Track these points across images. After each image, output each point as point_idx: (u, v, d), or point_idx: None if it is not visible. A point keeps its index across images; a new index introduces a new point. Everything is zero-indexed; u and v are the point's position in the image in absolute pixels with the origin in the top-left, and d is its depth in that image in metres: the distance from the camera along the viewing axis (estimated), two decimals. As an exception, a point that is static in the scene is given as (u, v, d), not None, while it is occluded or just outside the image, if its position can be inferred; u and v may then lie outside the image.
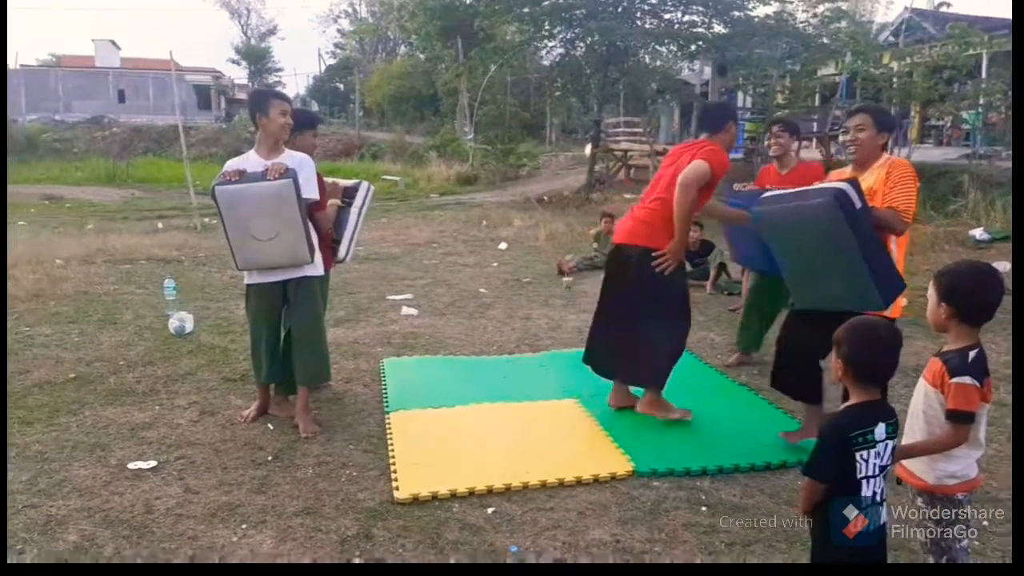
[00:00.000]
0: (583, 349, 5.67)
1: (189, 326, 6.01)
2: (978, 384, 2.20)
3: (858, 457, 2.03)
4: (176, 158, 24.05)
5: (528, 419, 4.27)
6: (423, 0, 29.77)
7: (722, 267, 8.12)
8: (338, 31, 56.60)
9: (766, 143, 4.79)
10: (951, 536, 2.34)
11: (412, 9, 32.99)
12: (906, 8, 24.18)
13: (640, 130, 18.49)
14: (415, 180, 21.56)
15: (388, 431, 3.99)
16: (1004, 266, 8.32)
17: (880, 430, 2.05)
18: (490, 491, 3.37)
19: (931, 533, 2.36)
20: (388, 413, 4.25)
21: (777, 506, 3.31)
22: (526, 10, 17.56)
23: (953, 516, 2.32)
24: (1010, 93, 16.76)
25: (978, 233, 9.70)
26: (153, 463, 3.66)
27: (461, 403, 4.41)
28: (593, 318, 4.52)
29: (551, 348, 5.82)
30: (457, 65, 25.21)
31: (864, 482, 2.04)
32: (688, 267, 8.24)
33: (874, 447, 2.03)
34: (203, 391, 4.70)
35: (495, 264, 9.64)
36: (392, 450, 3.74)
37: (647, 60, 19.75)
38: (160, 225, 13.55)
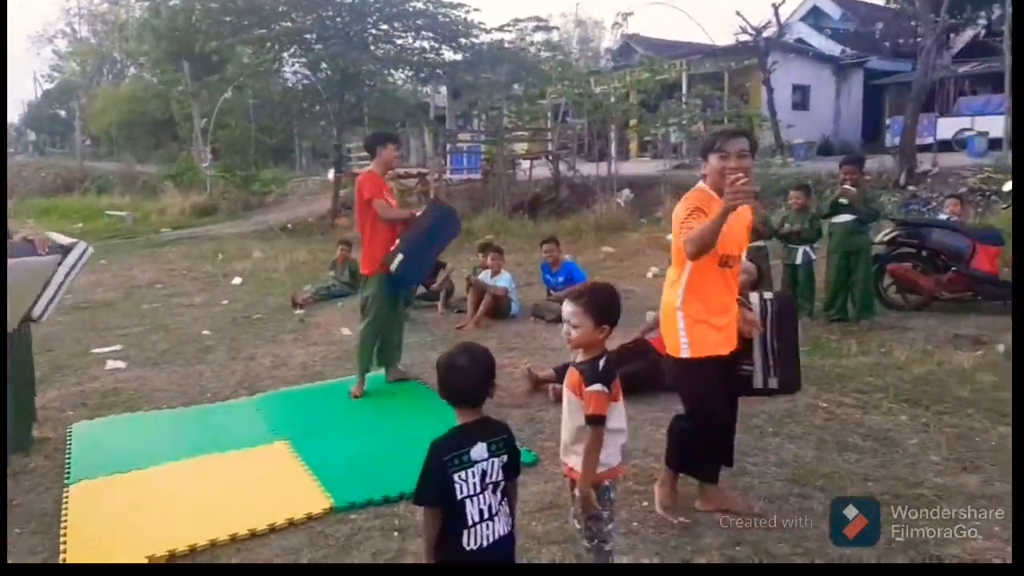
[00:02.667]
0: (308, 386, 5.70)
1: None
2: (607, 390, 2.49)
3: (456, 478, 2.14)
4: None
5: (229, 470, 4.13)
6: (147, 21, 27.82)
7: (450, 288, 8.42)
8: (54, 52, 51.02)
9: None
10: (602, 519, 2.60)
11: (137, 31, 30.69)
12: (622, 35, 26.91)
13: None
14: (146, 214, 19.98)
15: (64, 506, 3.67)
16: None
17: (479, 450, 2.18)
18: (172, 555, 3.22)
19: (584, 518, 2.61)
20: (68, 485, 3.90)
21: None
22: (262, 31, 17.09)
23: (601, 501, 2.58)
24: (709, 110, 19.28)
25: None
26: None
27: (156, 463, 4.17)
28: None
29: (272, 388, 5.68)
30: (187, 89, 23.81)
31: (468, 501, 2.16)
32: (421, 289, 8.54)
33: (472, 467, 2.16)
34: None
35: (225, 302, 9.22)
36: (65, 527, 3.44)
37: (393, 84, 20.02)
38: None
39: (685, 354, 3.17)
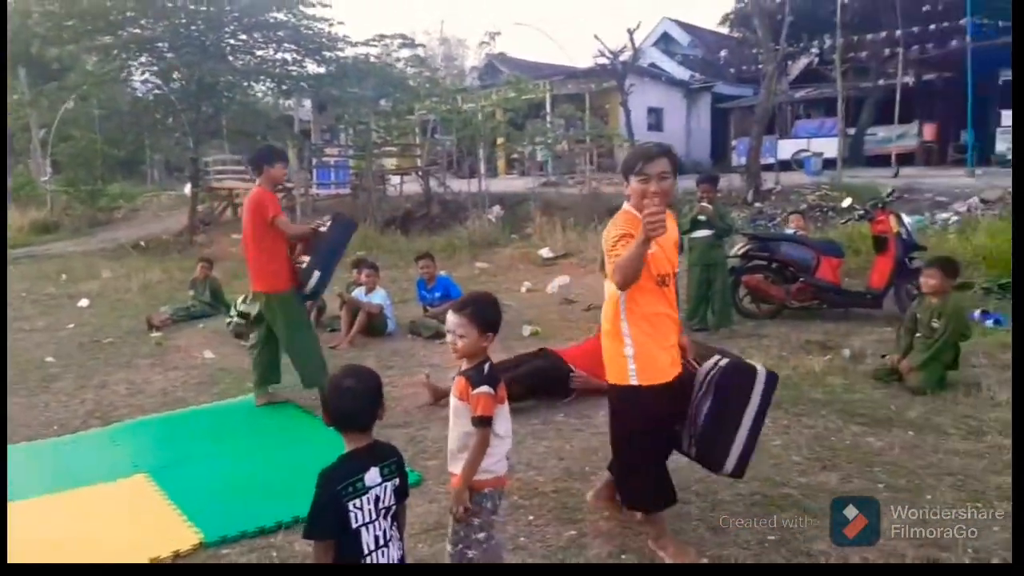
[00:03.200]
0: (168, 413, 5.34)
1: None
2: (493, 392, 2.49)
3: (351, 507, 2.07)
4: None
5: (81, 509, 3.80)
6: (-26, 22, 25.40)
7: (323, 305, 8.16)
8: None
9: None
10: (472, 525, 2.53)
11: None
12: (487, 55, 27.32)
13: (241, 167, 17.94)
14: (-24, 233, 18.21)
15: None
16: (564, 279, 9.73)
17: (372, 475, 2.12)
18: (21, 607, 2.92)
19: (456, 523, 2.55)
20: None
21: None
22: (108, 38, 15.99)
23: (477, 508, 2.53)
24: (572, 130, 19.87)
25: (545, 252, 11.17)
26: None
27: (-5, 505, 3.76)
28: None
29: (128, 417, 5.30)
30: (23, 97, 21.95)
31: (363, 530, 2.09)
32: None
33: (366, 494, 2.10)
34: None
35: (71, 326, 8.53)
36: None
37: (254, 96, 19.28)
38: None
39: (633, 381, 2.97)
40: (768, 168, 17.09)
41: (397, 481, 2.21)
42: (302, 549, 3.33)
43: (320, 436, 4.84)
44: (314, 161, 17.82)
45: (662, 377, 2.98)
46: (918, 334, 5.20)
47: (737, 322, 7.22)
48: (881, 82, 19.16)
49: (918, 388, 4.96)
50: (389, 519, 2.18)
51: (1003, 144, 16.86)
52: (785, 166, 18.94)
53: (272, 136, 18.13)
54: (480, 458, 2.51)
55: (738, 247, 7.66)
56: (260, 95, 19.88)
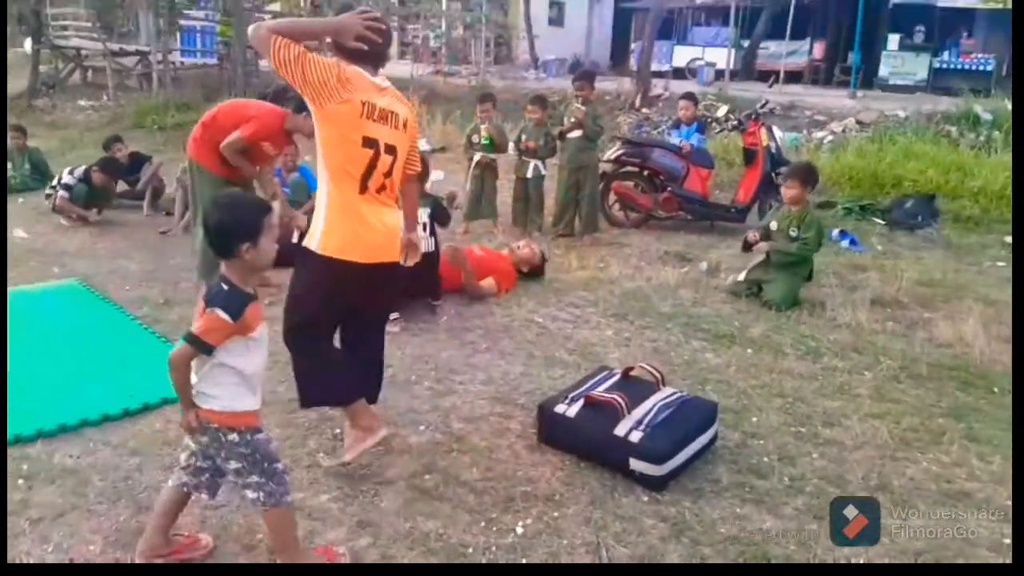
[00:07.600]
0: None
1: None
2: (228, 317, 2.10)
3: None
4: None
5: None
6: None
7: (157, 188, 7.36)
8: None
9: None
10: (238, 470, 2.24)
11: None
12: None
13: (89, 24, 16.01)
14: None
15: None
16: (438, 175, 9.21)
17: None
18: None
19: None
20: None
21: (119, 458, 2.98)
22: None
23: (225, 447, 2.23)
24: (468, 17, 18.84)
25: (422, 144, 10.50)
26: None
27: None
28: None
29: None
30: None
31: None
32: (122, 185, 7.41)
33: None
34: None
35: None
36: None
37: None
38: None
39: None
40: (661, 75, 16.83)
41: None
42: (61, 462, 2.93)
43: (111, 326, 4.35)
44: (180, 24, 16.13)
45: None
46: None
47: (603, 230, 6.96)
48: (779, -6, 19.00)
49: (775, 302, 4.89)
50: None
51: (886, 68, 17.24)
52: (679, 74, 18.74)
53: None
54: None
55: (611, 151, 7.35)
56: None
